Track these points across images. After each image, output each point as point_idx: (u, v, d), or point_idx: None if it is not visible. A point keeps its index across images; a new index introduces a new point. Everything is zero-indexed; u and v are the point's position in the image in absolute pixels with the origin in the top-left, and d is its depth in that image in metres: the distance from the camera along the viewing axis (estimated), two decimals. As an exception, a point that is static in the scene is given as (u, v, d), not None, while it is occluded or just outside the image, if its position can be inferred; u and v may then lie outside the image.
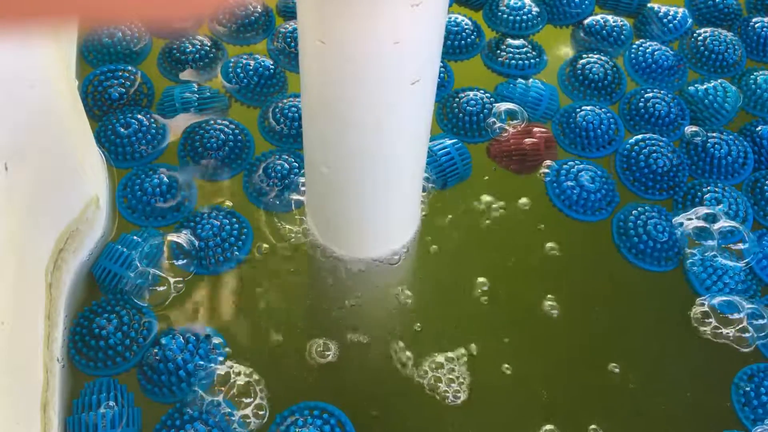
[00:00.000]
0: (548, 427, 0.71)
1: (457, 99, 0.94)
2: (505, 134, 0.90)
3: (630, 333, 0.78)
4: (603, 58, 0.99)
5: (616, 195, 0.87)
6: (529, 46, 1.01)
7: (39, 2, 0.22)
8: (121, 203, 0.83)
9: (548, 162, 0.89)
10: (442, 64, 0.97)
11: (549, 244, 0.83)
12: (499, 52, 1.00)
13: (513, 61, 0.99)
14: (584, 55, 1.00)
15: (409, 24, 0.57)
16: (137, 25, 0.99)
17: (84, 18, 0.23)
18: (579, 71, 0.98)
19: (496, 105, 0.93)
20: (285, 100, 0.92)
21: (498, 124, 0.90)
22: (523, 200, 0.87)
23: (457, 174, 0.87)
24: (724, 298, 0.79)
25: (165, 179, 0.84)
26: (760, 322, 0.78)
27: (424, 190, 0.84)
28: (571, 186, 0.86)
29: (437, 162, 0.87)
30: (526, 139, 0.90)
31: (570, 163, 0.88)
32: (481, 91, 0.94)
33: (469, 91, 0.94)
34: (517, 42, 1.01)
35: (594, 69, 0.97)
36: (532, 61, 1.00)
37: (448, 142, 0.88)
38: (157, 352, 0.72)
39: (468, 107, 0.92)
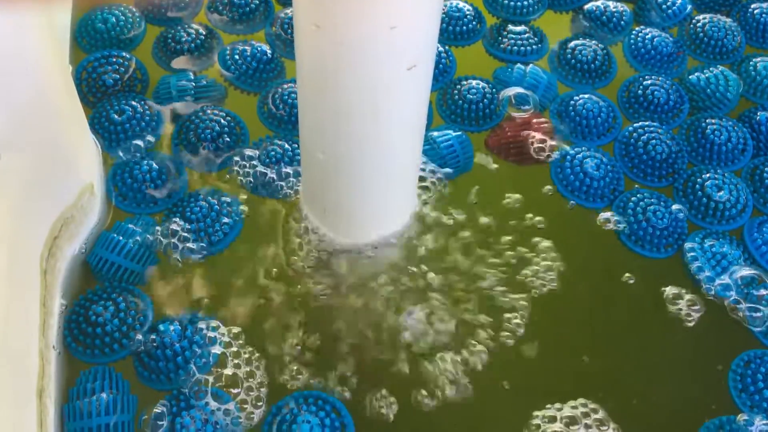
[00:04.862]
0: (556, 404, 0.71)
1: (458, 87, 0.93)
2: (504, 125, 0.90)
3: (624, 320, 0.78)
4: (594, 42, 0.98)
5: (621, 182, 0.87)
6: (531, 32, 1.00)
7: None
8: (111, 191, 0.83)
9: (551, 143, 0.89)
10: (444, 51, 0.97)
11: (546, 229, 0.83)
12: (500, 38, 0.99)
13: (515, 47, 0.98)
14: (576, 39, 0.99)
15: (405, 8, 0.56)
16: (131, 9, 0.98)
17: None
18: (569, 53, 0.97)
19: (504, 90, 0.93)
20: (284, 86, 0.92)
21: (505, 97, 0.88)
22: (526, 190, 0.86)
23: (458, 166, 0.87)
24: (722, 283, 0.79)
25: (155, 165, 0.83)
26: (757, 307, 0.78)
27: (424, 180, 0.84)
28: (577, 173, 0.86)
29: (439, 153, 0.86)
30: (524, 131, 0.90)
31: (576, 149, 0.88)
32: (484, 81, 0.94)
33: (470, 80, 0.94)
34: (518, 28, 1.00)
35: (584, 52, 0.97)
36: (534, 47, 0.99)
37: (452, 134, 0.88)
38: (155, 338, 0.72)
39: (469, 95, 0.92)
